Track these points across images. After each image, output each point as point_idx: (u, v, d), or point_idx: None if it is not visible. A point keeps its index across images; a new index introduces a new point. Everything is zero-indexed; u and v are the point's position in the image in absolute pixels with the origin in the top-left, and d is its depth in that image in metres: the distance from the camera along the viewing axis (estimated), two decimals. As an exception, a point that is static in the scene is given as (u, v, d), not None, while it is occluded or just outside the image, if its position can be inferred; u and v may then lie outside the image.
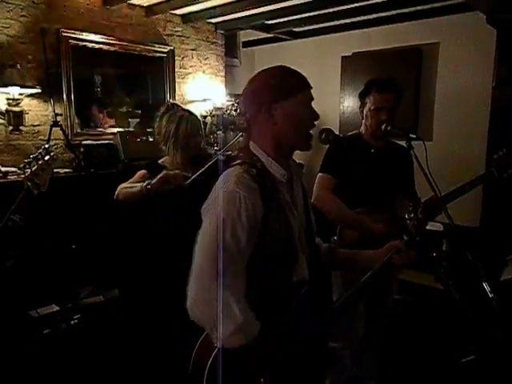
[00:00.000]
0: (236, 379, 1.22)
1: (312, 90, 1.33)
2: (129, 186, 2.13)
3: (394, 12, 3.82)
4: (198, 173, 2.09)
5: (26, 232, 2.02)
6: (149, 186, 2.04)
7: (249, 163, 1.29)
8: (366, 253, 1.49)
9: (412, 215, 1.41)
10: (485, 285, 1.53)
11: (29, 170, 1.76)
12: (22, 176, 1.77)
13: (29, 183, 1.76)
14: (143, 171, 2.21)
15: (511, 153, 2.05)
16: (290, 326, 1.25)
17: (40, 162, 1.78)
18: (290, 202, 1.34)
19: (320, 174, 2.22)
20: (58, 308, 2.71)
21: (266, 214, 1.23)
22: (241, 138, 2.33)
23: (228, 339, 1.15)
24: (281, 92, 1.26)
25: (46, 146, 1.86)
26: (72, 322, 2.67)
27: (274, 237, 1.26)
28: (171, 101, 2.35)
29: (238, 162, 1.31)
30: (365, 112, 2.20)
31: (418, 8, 3.70)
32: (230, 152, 2.35)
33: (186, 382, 1.29)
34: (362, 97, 2.21)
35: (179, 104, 2.38)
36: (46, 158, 1.80)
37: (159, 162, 2.28)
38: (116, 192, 2.16)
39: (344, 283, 2.11)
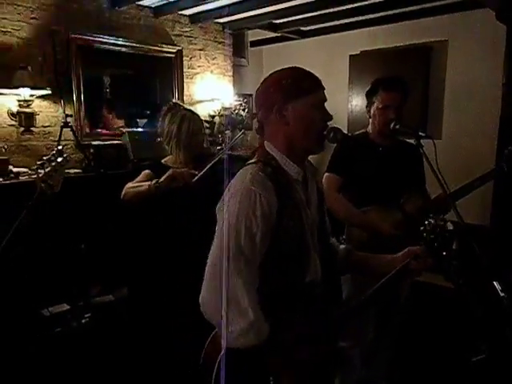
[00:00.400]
0: (245, 377, 1.22)
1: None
2: (135, 186, 2.14)
3: (402, 10, 3.79)
4: (203, 170, 2.10)
5: (33, 231, 2.04)
6: (157, 185, 2.05)
7: (263, 161, 1.29)
8: (383, 257, 1.47)
9: (429, 221, 1.39)
10: (495, 283, 1.52)
11: (42, 171, 1.78)
12: (35, 177, 1.80)
13: (42, 184, 1.79)
14: (147, 171, 2.23)
15: None
16: (300, 325, 1.24)
17: (53, 164, 1.81)
18: (305, 201, 1.34)
19: (327, 173, 2.23)
20: (68, 307, 2.74)
21: (281, 211, 1.23)
22: (242, 136, 2.35)
23: (239, 338, 1.15)
24: (292, 92, 1.26)
25: (59, 147, 1.88)
26: (83, 321, 2.70)
27: (289, 234, 1.26)
28: (173, 100, 2.36)
29: (253, 160, 1.32)
30: (372, 111, 2.20)
31: (427, 5, 3.67)
32: (230, 152, 2.36)
33: (196, 379, 1.29)
34: (369, 96, 2.21)
35: (181, 103, 2.40)
36: (59, 159, 1.83)
37: (162, 161, 2.30)
38: (122, 192, 2.17)
39: (355, 284, 2.10)
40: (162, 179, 2.06)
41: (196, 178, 2.08)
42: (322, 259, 1.38)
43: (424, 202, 2.16)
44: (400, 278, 1.38)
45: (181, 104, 2.37)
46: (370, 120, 2.24)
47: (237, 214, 1.19)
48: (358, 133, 2.34)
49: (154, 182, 2.07)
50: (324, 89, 1.32)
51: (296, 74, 1.30)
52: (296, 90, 1.26)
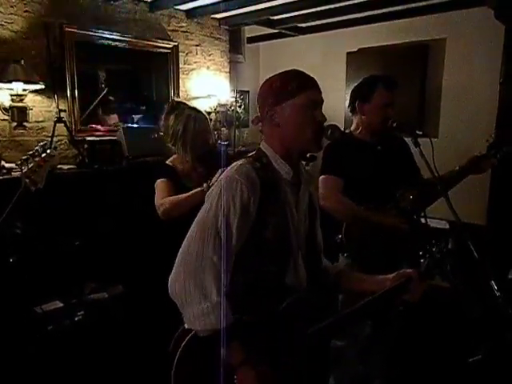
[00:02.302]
0: (209, 368, 1.19)
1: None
2: (183, 198, 2.04)
3: (400, 7, 3.77)
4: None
5: (26, 228, 2.02)
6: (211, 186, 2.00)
7: (254, 157, 1.34)
8: (374, 278, 1.47)
9: (429, 249, 1.38)
10: (492, 283, 1.51)
11: (26, 167, 1.77)
12: (19, 173, 1.79)
13: (26, 180, 1.77)
14: (164, 180, 2.15)
15: (502, 135, 2.11)
16: (274, 327, 1.24)
17: (37, 159, 1.79)
18: (293, 202, 1.35)
19: (323, 176, 2.17)
20: (62, 304, 2.71)
21: (263, 205, 1.26)
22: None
23: (199, 318, 1.15)
24: (279, 95, 1.30)
25: (42, 143, 1.88)
26: (76, 319, 2.67)
27: (271, 231, 1.27)
28: (176, 99, 2.33)
29: (245, 156, 1.36)
30: (366, 109, 2.15)
31: (425, 3, 3.65)
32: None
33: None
34: (365, 94, 2.16)
35: (185, 102, 2.36)
36: (43, 155, 1.81)
37: (167, 162, 2.25)
38: (162, 208, 2.06)
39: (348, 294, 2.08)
40: (213, 181, 1.98)
41: None
42: (308, 265, 1.39)
43: (417, 195, 2.15)
44: (390, 299, 1.37)
45: (185, 102, 2.33)
46: (362, 118, 2.19)
47: (217, 199, 1.23)
48: (345, 133, 2.32)
49: (205, 185, 2.01)
50: (318, 89, 1.33)
51: (285, 77, 1.32)
52: (282, 92, 1.29)
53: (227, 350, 1.18)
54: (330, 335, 1.39)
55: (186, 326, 1.22)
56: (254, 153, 1.38)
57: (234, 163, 1.31)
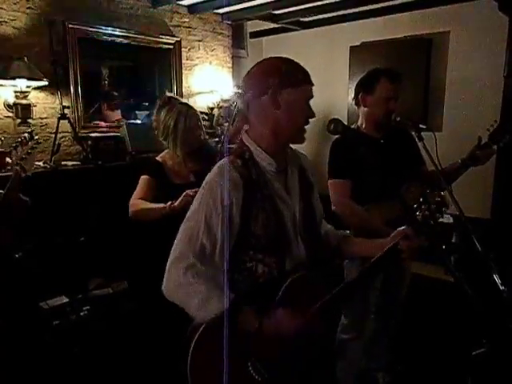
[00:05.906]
0: (221, 359, 1.22)
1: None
2: (147, 208, 2.09)
3: (403, 1, 3.75)
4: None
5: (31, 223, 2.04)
6: (173, 207, 2.01)
7: (236, 153, 1.33)
8: (374, 242, 1.50)
9: (421, 205, 1.39)
10: (495, 277, 1.51)
11: (15, 155, 1.83)
12: (10, 160, 1.86)
13: (17, 167, 1.83)
14: (146, 177, 2.19)
15: (503, 125, 2.16)
16: (276, 309, 1.26)
17: (25, 147, 1.84)
18: (283, 191, 1.35)
19: (332, 180, 2.16)
20: (67, 300, 2.74)
21: (250, 204, 1.27)
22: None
23: (198, 313, 1.20)
24: (289, 79, 1.29)
25: (29, 130, 1.94)
26: (81, 314, 2.70)
27: (262, 226, 1.28)
28: (168, 94, 2.33)
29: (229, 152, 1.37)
30: (369, 101, 2.14)
31: (428, -4, 3.64)
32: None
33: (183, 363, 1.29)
34: (369, 86, 2.15)
35: (177, 97, 2.35)
36: (30, 142, 1.87)
37: (157, 158, 2.26)
38: (131, 209, 2.14)
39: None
40: (177, 202, 2.01)
41: None
42: (308, 246, 1.40)
43: (421, 190, 2.15)
44: (390, 260, 1.40)
45: (176, 98, 2.33)
46: (365, 110, 2.19)
47: (199, 204, 1.26)
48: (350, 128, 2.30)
49: (169, 203, 2.02)
50: (313, 85, 1.35)
51: (294, 64, 1.34)
52: (292, 78, 1.30)
53: (242, 324, 1.21)
54: (339, 305, 1.43)
55: (195, 321, 1.26)
56: (235, 148, 1.38)
57: (217, 164, 1.32)
